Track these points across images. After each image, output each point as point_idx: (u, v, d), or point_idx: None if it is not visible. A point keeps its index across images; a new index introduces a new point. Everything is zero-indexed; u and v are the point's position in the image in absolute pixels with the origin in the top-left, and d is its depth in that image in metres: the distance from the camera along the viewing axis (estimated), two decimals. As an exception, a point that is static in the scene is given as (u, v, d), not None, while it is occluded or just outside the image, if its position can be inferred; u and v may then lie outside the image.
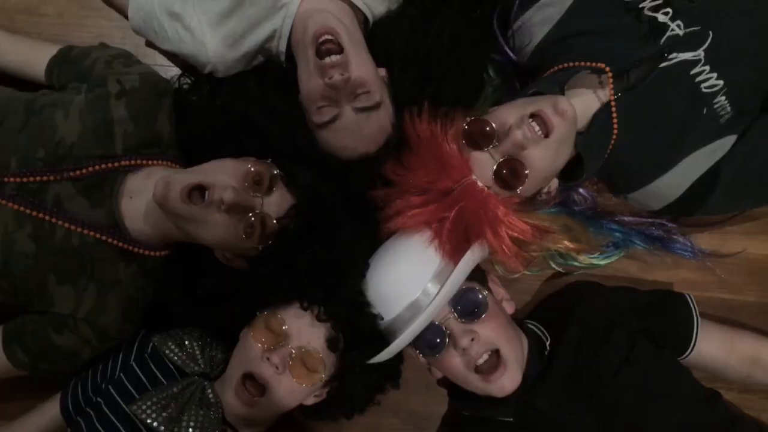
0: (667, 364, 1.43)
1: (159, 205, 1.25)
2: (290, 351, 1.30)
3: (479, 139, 1.31)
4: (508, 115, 1.31)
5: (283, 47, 1.47)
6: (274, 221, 1.29)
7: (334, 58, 1.32)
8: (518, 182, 1.30)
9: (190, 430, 1.30)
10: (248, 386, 1.31)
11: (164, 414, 1.30)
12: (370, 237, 1.40)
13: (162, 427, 1.29)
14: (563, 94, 1.37)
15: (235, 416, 1.35)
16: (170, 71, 1.62)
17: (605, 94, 1.37)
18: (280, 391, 1.30)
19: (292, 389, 1.31)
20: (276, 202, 1.30)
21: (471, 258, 1.32)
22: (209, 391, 1.36)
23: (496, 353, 1.32)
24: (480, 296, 1.35)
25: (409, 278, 1.33)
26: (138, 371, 1.42)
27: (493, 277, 1.47)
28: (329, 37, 1.33)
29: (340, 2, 1.45)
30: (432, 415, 1.66)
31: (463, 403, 1.46)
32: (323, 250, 1.32)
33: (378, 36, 1.50)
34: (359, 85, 1.33)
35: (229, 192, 1.22)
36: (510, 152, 1.29)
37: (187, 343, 1.42)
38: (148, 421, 1.29)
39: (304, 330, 1.32)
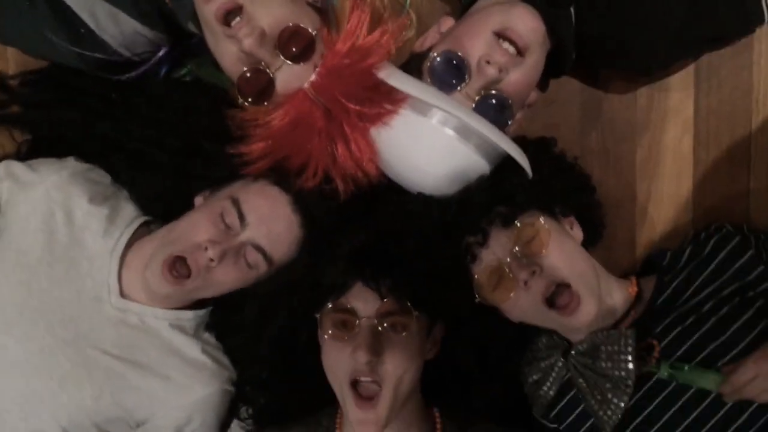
0: None
1: None
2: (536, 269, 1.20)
3: (254, 91, 1.19)
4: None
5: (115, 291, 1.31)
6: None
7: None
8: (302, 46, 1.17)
9: None
10: None
11: None
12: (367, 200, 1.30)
13: None
14: None
15: None
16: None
17: None
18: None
19: None
20: None
21: (389, 74, 1.20)
22: None
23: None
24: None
25: (432, 139, 1.21)
26: None
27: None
28: None
29: None
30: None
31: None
32: (414, 256, 1.23)
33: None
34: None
35: None
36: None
37: None
38: None
39: (501, 241, 1.23)
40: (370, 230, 1.27)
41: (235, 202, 1.24)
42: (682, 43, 1.33)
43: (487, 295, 1.24)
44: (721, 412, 1.18)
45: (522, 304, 1.22)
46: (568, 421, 1.30)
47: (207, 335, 1.37)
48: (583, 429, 1.29)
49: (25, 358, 1.25)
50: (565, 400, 1.30)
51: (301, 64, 1.16)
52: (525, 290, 1.19)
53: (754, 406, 1.16)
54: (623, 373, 1.19)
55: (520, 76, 1.21)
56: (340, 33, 1.18)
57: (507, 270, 1.20)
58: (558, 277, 1.19)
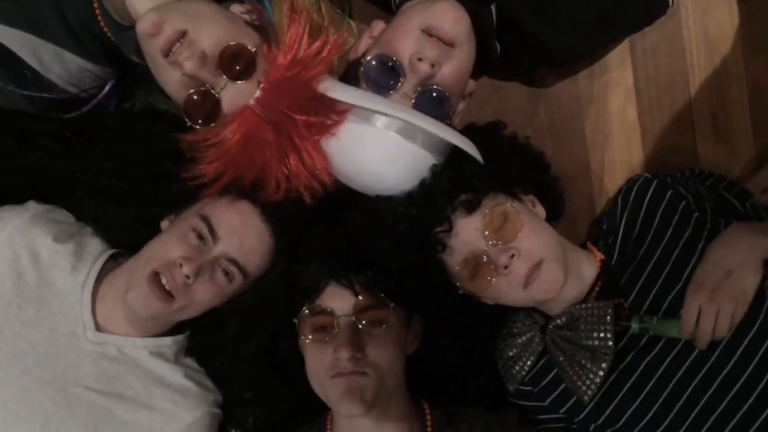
0: None
1: None
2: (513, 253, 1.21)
3: (201, 114, 1.18)
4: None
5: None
6: None
7: None
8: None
9: None
10: None
11: None
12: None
13: None
14: None
15: None
16: None
17: None
18: None
19: None
20: None
21: (328, 87, 1.19)
22: None
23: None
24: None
25: (379, 144, 1.20)
26: None
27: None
28: None
29: None
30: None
31: None
32: (384, 251, 1.23)
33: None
34: None
35: None
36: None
37: None
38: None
39: (470, 229, 1.23)
40: (338, 231, 1.27)
41: (205, 218, 1.23)
42: (598, 35, 1.36)
43: (467, 284, 1.24)
44: (691, 357, 1.19)
45: (502, 289, 1.22)
46: (543, 383, 1.31)
47: (189, 360, 1.35)
48: (557, 392, 1.29)
49: (4, 404, 1.22)
50: (540, 364, 1.31)
51: (245, 81, 1.16)
52: (505, 275, 1.20)
53: (722, 344, 1.16)
54: (601, 343, 1.20)
55: (453, 68, 1.20)
56: (280, 48, 1.18)
57: (484, 257, 1.20)
58: (535, 258, 1.19)
